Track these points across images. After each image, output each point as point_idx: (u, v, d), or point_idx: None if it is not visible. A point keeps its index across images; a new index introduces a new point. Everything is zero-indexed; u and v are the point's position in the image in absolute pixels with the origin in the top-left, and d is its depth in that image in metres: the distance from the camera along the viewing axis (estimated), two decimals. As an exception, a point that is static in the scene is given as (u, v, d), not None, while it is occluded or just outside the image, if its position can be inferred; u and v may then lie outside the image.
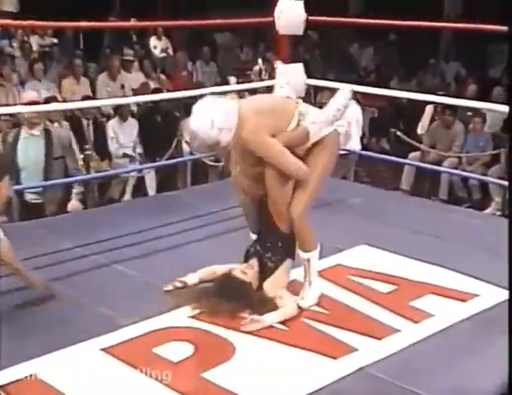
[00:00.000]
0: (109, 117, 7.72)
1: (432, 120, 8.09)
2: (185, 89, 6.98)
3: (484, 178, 6.79)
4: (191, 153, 6.81)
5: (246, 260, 3.40)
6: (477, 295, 3.50)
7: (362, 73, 11.65)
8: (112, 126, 7.41)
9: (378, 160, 7.06)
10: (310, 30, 10.27)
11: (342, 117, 3.45)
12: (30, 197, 5.54)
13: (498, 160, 7.31)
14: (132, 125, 7.53)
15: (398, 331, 3.17)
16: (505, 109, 4.65)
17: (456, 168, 7.37)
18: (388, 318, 3.27)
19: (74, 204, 6.44)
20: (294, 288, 3.39)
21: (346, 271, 3.74)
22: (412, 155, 7.78)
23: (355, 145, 7.16)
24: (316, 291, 3.37)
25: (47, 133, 5.61)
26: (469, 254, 3.98)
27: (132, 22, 9.31)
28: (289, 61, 5.23)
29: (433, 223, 4.50)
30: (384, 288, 3.56)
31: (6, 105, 6.94)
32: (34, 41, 11.06)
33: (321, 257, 3.49)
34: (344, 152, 6.63)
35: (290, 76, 4.79)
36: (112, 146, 7.34)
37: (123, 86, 8.89)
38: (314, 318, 3.25)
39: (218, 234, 4.20)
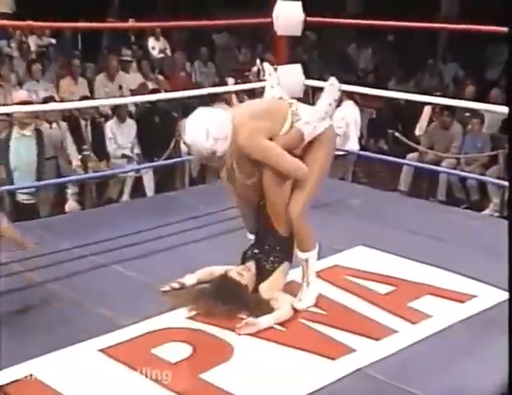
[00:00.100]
0: (107, 117, 7.71)
1: (430, 121, 8.10)
2: (183, 89, 6.98)
3: (482, 178, 6.80)
4: (189, 153, 6.80)
5: (243, 262, 3.40)
6: (474, 296, 3.51)
7: (360, 74, 11.66)
8: (110, 126, 7.41)
9: (376, 161, 7.07)
10: (308, 30, 10.28)
11: (335, 112, 3.45)
12: (22, 197, 5.53)
13: (496, 161, 7.32)
14: (131, 126, 7.52)
15: (396, 332, 3.17)
16: (503, 109, 4.66)
17: (454, 169, 7.37)
18: (386, 318, 3.27)
19: (71, 205, 6.46)
20: (292, 289, 3.40)
21: (344, 272, 3.74)
22: (410, 156, 7.79)
23: (353, 145, 7.16)
24: (314, 292, 3.38)
25: (38, 134, 5.61)
26: (467, 255, 3.98)
27: (130, 23, 9.31)
28: (287, 61, 5.24)
29: (431, 224, 4.51)
30: (382, 289, 3.56)
31: (5, 105, 6.92)
32: (33, 41, 11.06)
33: (319, 257, 3.49)
34: (342, 153, 6.64)
35: (282, 77, 4.79)
36: (110, 147, 7.34)
37: (121, 87, 8.89)
38: (312, 318, 3.25)
39: (216, 235, 4.20)
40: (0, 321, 3.02)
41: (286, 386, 2.78)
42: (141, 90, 8.25)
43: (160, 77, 9.46)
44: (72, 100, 7.77)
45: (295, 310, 3.28)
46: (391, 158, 6.45)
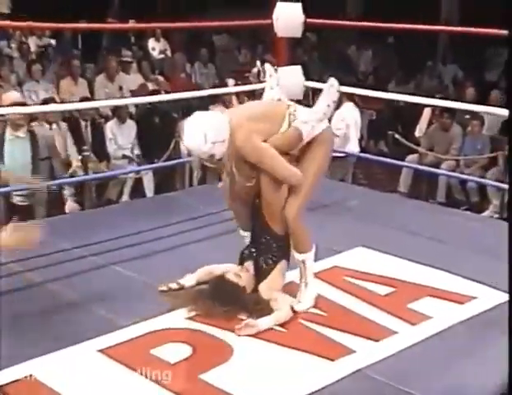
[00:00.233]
0: (107, 118, 7.71)
1: (430, 123, 8.10)
2: (183, 90, 6.98)
3: (482, 180, 6.80)
4: (189, 155, 6.81)
5: (241, 262, 3.41)
6: (474, 298, 3.51)
7: (360, 76, 11.66)
8: (110, 127, 7.41)
9: (376, 163, 7.06)
10: (309, 32, 10.28)
11: (333, 117, 3.46)
12: (17, 199, 5.51)
13: (496, 163, 7.32)
14: (131, 127, 7.52)
15: (396, 333, 3.17)
16: (503, 112, 4.67)
17: (454, 170, 7.37)
18: (385, 320, 3.27)
19: (71, 205, 6.46)
20: (291, 290, 3.40)
21: (344, 273, 3.74)
22: (410, 157, 7.79)
23: (353, 147, 7.16)
24: (312, 293, 3.37)
25: (32, 135, 5.59)
26: (467, 257, 3.98)
27: (131, 24, 9.31)
28: (287, 63, 5.24)
29: (431, 225, 4.51)
30: (382, 290, 3.56)
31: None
32: (33, 42, 11.06)
33: (318, 258, 3.50)
34: (342, 154, 6.65)
35: (282, 78, 4.80)
36: (110, 148, 7.34)
37: (121, 88, 8.89)
38: (312, 319, 3.25)
39: (216, 235, 4.20)
40: (0, 321, 3.02)
41: (285, 387, 2.78)
42: (141, 91, 8.25)
43: (161, 78, 9.46)
44: (72, 101, 7.78)
45: (295, 312, 3.28)
46: (391, 160, 6.45)
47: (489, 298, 3.46)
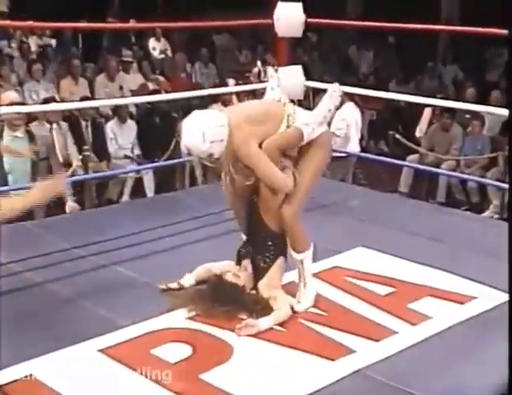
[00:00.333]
0: (107, 118, 7.72)
1: (430, 123, 8.10)
2: (184, 90, 6.98)
3: (482, 180, 6.80)
4: (188, 154, 6.81)
5: (239, 261, 3.41)
6: (474, 298, 3.50)
7: (361, 77, 11.66)
8: (111, 127, 7.41)
9: (376, 163, 7.05)
10: (310, 32, 10.28)
11: (334, 117, 3.47)
12: None
13: (496, 163, 7.32)
14: (131, 127, 7.53)
15: (396, 333, 3.17)
16: (504, 112, 4.66)
17: (454, 171, 7.37)
18: (385, 320, 3.27)
19: (71, 205, 6.45)
20: (291, 290, 3.39)
21: (344, 273, 3.74)
22: (411, 157, 7.79)
23: (354, 147, 7.16)
24: (311, 293, 3.37)
25: (29, 135, 5.59)
26: (467, 257, 3.98)
27: (131, 24, 9.31)
28: (288, 63, 5.24)
29: (431, 225, 4.51)
30: (382, 290, 3.56)
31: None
32: (33, 42, 11.06)
33: (319, 259, 3.50)
34: (343, 154, 6.65)
35: (286, 80, 4.81)
36: (111, 147, 7.35)
37: (121, 87, 8.89)
38: (312, 319, 3.25)
39: (217, 236, 4.19)
40: (0, 321, 3.02)
41: (285, 386, 2.78)
42: (141, 90, 8.26)
43: (161, 78, 9.46)
44: (73, 101, 7.78)
45: (295, 312, 3.28)
46: (391, 160, 6.45)
47: (489, 298, 3.45)
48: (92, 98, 8.04)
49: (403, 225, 4.47)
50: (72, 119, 7.18)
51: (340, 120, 6.86)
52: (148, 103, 7.57)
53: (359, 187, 6.36)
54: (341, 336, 3.11)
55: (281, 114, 3.30)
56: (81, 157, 6.81)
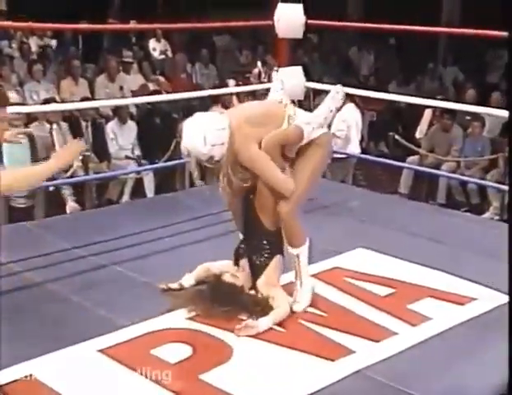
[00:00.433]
0: (107, 118, 7.72)
1: (431, 124, 8.10)
2: (184, 91, 6.98)
3: (482, 182, 6.80)
4: (188, 155, 6.81)
5: (237, 259, 3.41)
6: (474, 299, 3.51)
7: (362, 78, 11.66)
8: (111, 128, 7.41)
9: (376, 164, 7.07)
10: (310, 33, 10.28)
11: (334, 119, 3.48)
12: (18, 201, 5.50)
13: (496, 165, 7.32)
14: (131, 128, 7.53)
15: (396, 333, 3.17)
16: (504, 113, 4.66)
17: (454, 172, 7.37)
18: (385, 320, 3.27)
19: (72, 206, 6.46)
20: (289, 290, 3.39)
21: (344, 274, 3.74)
22: (411, 158, 7.79)
23: (354, 148, 7.16)
24: (308, 291, 3.37)
25: (29, 136, 5.59)
26: (467, 258, 3.98)
27: (131, 24, 9.31)
28: (288, 64, 5.25)
29: (431, 227, 4.51)
30: (382, 291, 3.57)
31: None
32: (33, 42, 11.06)
33: (319, 259, 3.50)
34: (343, 155, 6.65)
35: (286, 81, 4.81)
36: (112, 148, 7.35)
37: (121, 88, 8.89)
38: (312, 320, 3.25)
39: (216, 236, 4.19)
40: (0, 321, 3.02)
41: (285, 387, 2.78)
42: (142, 91, 8.26)
43: (161, 79, 9.46)
44: (73, 101, 7.78)
45: (294, 312, 3.28)
46: (391, 161, 6.45)
47: (489, 299, 3.45)
48: (92, 98, 8.04)
49: (403, 226, 4.47)
50: (72, 120, 7.18)
51: (340, 121, 6.87)
52: (148, 103, 7.57)
53: (359, 188, 6.37)
54: (340, 337, 3.11)
55: (282, 115, 3.31)
56: (81, 158, 6.80)
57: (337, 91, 3.42)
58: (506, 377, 2.27)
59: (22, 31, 10.88)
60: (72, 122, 7.13)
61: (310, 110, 3.52)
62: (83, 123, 7.19)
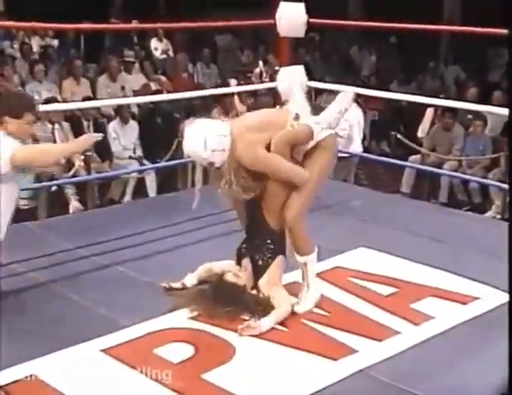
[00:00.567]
0: (109, 118, 7.72)
1: (432, 123, 8.09)
2: (186, 91, 6.98)
3: (484, 181, 6.80)
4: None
5: (239, 259, 3.42)
6: (477, 298, 3.51)
7: (363, 77, 11.65)
8: (113, 127, 7.42)
9: (378, 163, 7.06)
10: (312, 32, 10.27)
11: (341, 120, 3.47)
12: (21, 202, 5.50)
13: (498, 164, 7.31)
14: (133, 128, 7.53)
15: (399, 333, 3.17)
16: (506, 112, 4.65)
17: (456, 171, 7.36)
18: (388, 320, 3.27)
19: (75, 205, 6.47)
20: (293, 290, 3.39)
21: (346, 274, 3.74)
22: (413, 158, 7.79)
23: (356, 147, 7.17)
24: (314, 296, 3.36)
25: (31, 136, 5.59)
26: (469, 257, 3.98)
27: (133, 24, 9.31)
28: (289, 63, 5.24)
29: (433, 226, 4.51)
30: (385, 290, 3.56)
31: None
32: (35, 42, 11.06)
33: (321, 259, 3.50)
34: (345, 155, 6.65)
35: (284, 79, 4.78)
36: (115, 148, 7.35)
37: (123, 88, 8.90)
38: (314, 319, 3.25)
39: (218, 236, 4.20)
40: (2, 321, 3.03)
41: (287, 386, 2.78)
42: (143, 91, 8.26)
43: (163, 78, 9.47)
44: (75, 101, 7.79)
45: (294, 313, 3.28)
46: (393, 160, 6.45)
47: (492, 298, 3.45)
48: (94, 98, 8.05)
49: (405, 225, 4.47)
50: (73, 119, 7.19)
51: (342, 121, 6.85)
52: (150, 103, 7.57)
53: (361, 187, 6.37)
54: (343, 336, 3.11)
55: (284, 120, 3.31)
56: (83, 157, 6.81)
57: (347, 92, 3.42)
58: (507, 376, 2.27)
59: (24, 31, 10.88)
60: (74, 122, 7.15)
61: (312, 109, 3.51)
62: (85, 123, 7.20)
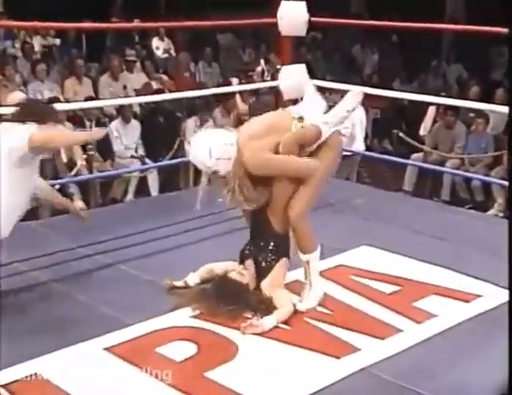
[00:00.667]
0: (111, 117, 7.73)
1: (434, 121, 8.09)
2: (187, 90, 6.99)
3: (486, 179, 6.79)
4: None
5: (242, 260, 3.42)
6: (479, 296, 3.51)
7: (365, 76, 11.65)
8: (115, 126, 7.42)
9: (380, 161, 7.06)
10: (314, 31, 10.26)
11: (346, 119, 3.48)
12: None
13: (500, 162, 7.31)
14: (135, 127, 7.54)
15: (401, 331, 3.17)
16: (507, 109, 4.65)
17: (458, 169, 7.36)
18: (390, 318, 3.27)
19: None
20: (295, 288, 3.40)
21: (349, 272, 3.74)
22: (415, 156, 7.79)
23: (359, 146, 7.17)
24: (316, 294, 3.36)
25: None
26: (472, 255, 3.98)
27: (135, 23, 9.32)
28: (291, 62, 5.24)
29: (435, 224, 4.50)
30: (387, 288, 3.56)
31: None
32: (37, 42, 11.07)
33: (323, 257, 3.50)
34: (348, 153, 6.64)
35: (286, 77, 4.78)
36: (117, 147, 7.36)
37: (125, 87, 8.90)
38: (317, 317, 3.25)
39: (220, 235, 4.20)
40: (5, 320, 3.03)
41: (290, 384, 2.78)
42: (145, 90, 8.27)
43: (165, 77, 9.48)
44: (77, 100, 7.79)
45: (297, 311, 3.27)
46: (395, 158, 6.44)
47: (494, 296, 3.45)
48: (96, 97, 8.05)
49: (407, 223, 4.47)
50: (76, 119, 7.19)
51: (345, 119, 6.86)
52: (152, 102, 7.58)
53: (363, 185, 6.37)
54: (346, 335, 3.11)
55: (288, 123, 3.31)
56: (85, 157, 6.82)
57: (355, 92, 3.42)
58: (507, 375, 2.27)
59: (25, 31, 10.89)
60: (76, 121, 7.15)
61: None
62: (87, 123, 7.20)
